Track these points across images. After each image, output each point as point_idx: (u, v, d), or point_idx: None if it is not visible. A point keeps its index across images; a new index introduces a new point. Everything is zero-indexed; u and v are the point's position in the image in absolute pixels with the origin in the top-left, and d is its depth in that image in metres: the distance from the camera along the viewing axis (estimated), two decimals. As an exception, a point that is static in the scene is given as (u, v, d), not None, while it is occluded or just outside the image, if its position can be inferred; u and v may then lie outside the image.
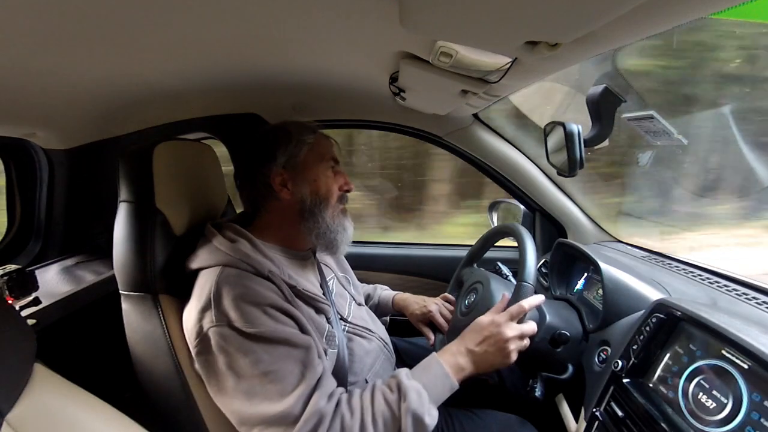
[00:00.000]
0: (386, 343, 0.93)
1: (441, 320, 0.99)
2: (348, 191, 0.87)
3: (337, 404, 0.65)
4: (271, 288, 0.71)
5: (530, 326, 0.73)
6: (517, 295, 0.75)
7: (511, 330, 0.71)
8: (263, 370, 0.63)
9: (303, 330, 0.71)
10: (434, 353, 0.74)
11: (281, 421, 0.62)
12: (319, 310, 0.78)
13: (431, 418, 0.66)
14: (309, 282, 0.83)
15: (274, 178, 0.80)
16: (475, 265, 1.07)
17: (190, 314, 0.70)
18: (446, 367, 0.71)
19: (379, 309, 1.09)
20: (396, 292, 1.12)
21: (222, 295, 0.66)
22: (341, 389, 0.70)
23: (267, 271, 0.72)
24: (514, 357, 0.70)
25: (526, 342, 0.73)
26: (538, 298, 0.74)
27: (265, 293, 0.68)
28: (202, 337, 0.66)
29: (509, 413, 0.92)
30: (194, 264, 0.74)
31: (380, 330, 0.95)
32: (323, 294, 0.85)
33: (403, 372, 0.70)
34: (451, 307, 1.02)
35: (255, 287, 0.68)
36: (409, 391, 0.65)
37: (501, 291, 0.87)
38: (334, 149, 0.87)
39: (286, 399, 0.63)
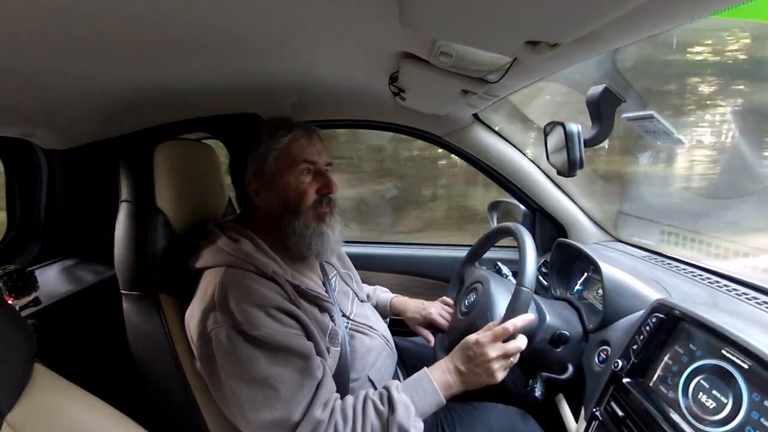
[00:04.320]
0: (388, 340, 0.93)
1: (441, 320, 1.00)
2: (327, 194, 0.81)
3: (332, 412, 0.67)
4: (275, 289, 0.71)
5: (514, 345, 0.72)
6: (516, 300, 0.75)
7: (494, 350, 0.71)
8: (263, 376, 0.64)
9: (306, 331, 0.71)
10: (425, 368, 0.75)
11: (279, 427, 0.63)
12: (322, 309, 0.78)
13: (417, 430, 0.68)
14: (312, 280, 0.83)
15: (249, 186, 0.80)
16: (477, 263, 1.07)
17: (193, 314, 0.70)
18: (435, 383, 0.72)
19: (377, 311, 1.09)
20: (394, 295, 1.12)
21: (226, 297, 0.66)
22: (336, 395, 0.71)
23: (271, 271, 0.72)
24: (500, 376, 0.71)
25: (513, 360, 0.73)
26: (526, 319, 0.73)
27: (268, 295, 0.69)
28: (205, 338, 0.67)
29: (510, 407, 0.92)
30: (198, 264, 0.74)
31: (382, 327, 0.95)
32: (326, 292, 0.85)
33: (394, 384, 0.72)
34: (450, 310, 1.02)
35: (259, 288, 0.68)
36: (398, 405, 0.67)
37: (501, 292, 0.87)
38: (312, 149, 0.80)
39: (284, 406, 0.64)
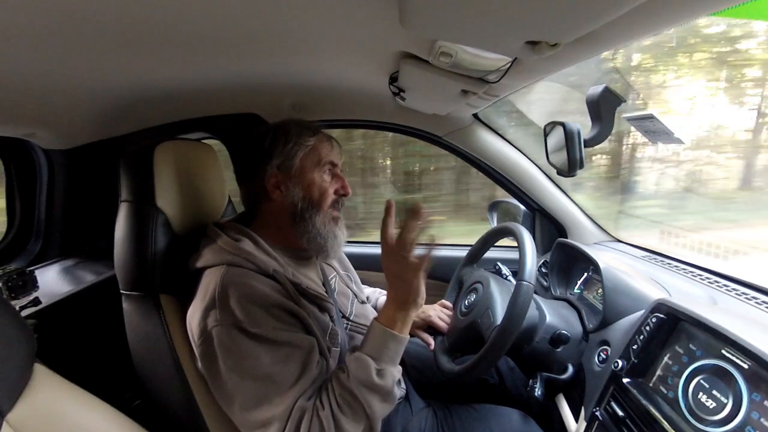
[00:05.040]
0: None
1: (440, 323, 1.00)
2: (344, 195, 0.85)
3: (315, 400, 0.66)
4: (276, 287, 0.71)
5: (402, 243, 0.66)
6: (518, 295, 0.75)
7: (391, 255, 0.67)
8: (265, 372, 0.64)
9: (307, 328, 0.71)
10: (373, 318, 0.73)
11: (278, 421, 0.63)
12: (323, 309, 0.78)
13: (383, 377, 0.66)
14: (312, 280, 0.84)
15: (269, 179, 0.79)
16: (475, 265, 1.07)
17: (194, 313, 0.70)
18: (380, 323, 0.70)
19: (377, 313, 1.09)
20: None
21: (227, 295, 0.66)
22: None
23: (271, 269, 0.72)
24: (409, 278, 0.67)
25: (416, 262, 0.66)
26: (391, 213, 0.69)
27: (269, 293, 0.69)
28: (205, 336, 0.67)
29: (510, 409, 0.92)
30: (198, 263, 0.74)
31: None
32: (325, 292, 0.85)
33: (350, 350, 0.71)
34: (450, 313, 1.02)
35: (259, 287, 0.69)
36: (349, 363, 0.67)
37: (501, 291, 0.87)
38: (334, 152, 0.85)
39: (283, 401, 0.64)
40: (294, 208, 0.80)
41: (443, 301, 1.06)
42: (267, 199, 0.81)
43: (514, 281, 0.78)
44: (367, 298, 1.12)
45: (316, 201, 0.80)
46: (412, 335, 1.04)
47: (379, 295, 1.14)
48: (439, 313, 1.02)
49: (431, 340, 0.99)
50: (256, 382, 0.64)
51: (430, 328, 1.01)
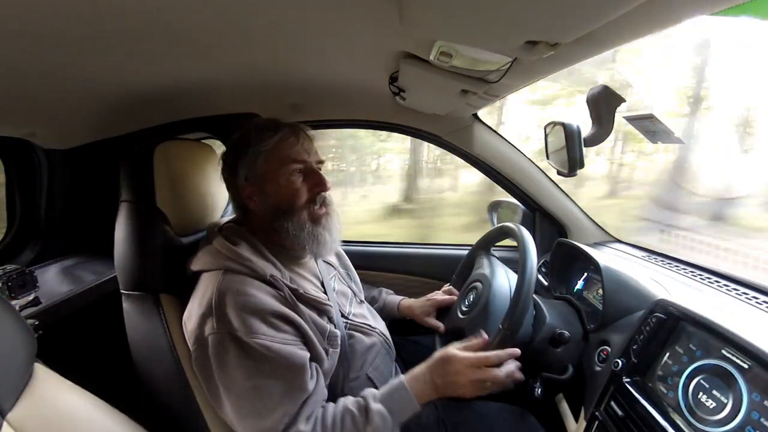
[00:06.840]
0: (386, 338, 0.94)
1: (445, 297, 1.03)
2: (320, 192, 0.79)
3: (314, 424, 0.67)
4: (273, 293, 0.71)
5: (492, 374, 0.72)
6: (512, 314, 0.75)
7: (474, 374, 0.71)
8: (255, 384, 0.65)
9: (304, 337, 0.71)
10: (402, 377, 0.75)
11: None
12: (321, 312, 0.78)
13: None
14: (310, 283, 0.83)
15: (243, 191, 0.78)
16: (491, 252, 1.06)
17: (190, 318, 0.70)
18: (412, 393, 0.72)
19: (384, 312, 1.10)
20: (402, 297, 1.13)
21: (223, 303, 0.66)
22: (321, 403, 0.71)
23: (269, 275, 0.72)
24: (473, 394, 0.72)
25: (488, 385, 0.72)
26: (512, 354, 0.74)
27: (266, 300, 0.69)
28: (201, 343, 0.67)
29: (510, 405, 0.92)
30: (195, 266, 0.74)
31: (380, 325, 0.95)
32: (324, 292, 0.85)
33: (371, 394, 0.72)
34: (453, 297, 1.04)
35: (256, 294, 0.68)
36: (375, 416, 0.68)
37: (499, 296, 0.87)
38: (301, 148, 0.78)
39: (271, 416, 0.65)
40: (272, 216, 0.78)
41: (446, 287, 1.09)
42: (248, 209, 0.80)
43: (514, 283, 0.78)
44: (373, 298, 1.13)
45: (287, 204, 0.77)
46: (412, 332, 1.06)
47: (386, 295, 1.14)
48: (440, 293, 1.06)
49: (441, 325, 1.00)
50: (244, 393, 0.65)
51: (439, 311, 1.03)
